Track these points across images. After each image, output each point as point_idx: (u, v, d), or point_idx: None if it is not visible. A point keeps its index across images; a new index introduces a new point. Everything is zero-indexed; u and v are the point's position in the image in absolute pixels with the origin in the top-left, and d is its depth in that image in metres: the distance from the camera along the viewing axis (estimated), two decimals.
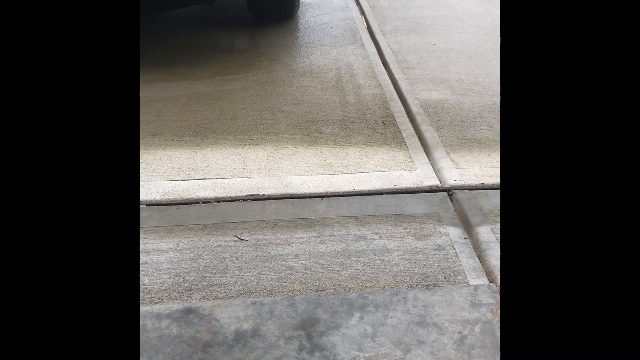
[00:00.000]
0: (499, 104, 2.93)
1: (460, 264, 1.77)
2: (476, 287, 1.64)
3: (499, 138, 2.57)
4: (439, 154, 2.43)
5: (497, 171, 2.28)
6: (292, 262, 1.79)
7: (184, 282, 1.71)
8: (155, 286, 1.70)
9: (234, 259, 1.80)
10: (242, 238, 1.91)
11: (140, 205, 2.08)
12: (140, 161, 2.39)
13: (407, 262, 1.78)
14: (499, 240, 1.85)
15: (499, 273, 1.70)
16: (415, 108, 2.88)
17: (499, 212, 2.01)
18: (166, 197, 2.15)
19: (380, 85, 3.23)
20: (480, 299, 1.60)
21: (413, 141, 2.57)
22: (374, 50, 3.85)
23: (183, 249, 1.86)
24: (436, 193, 2.16)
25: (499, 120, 2.75)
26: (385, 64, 3.59)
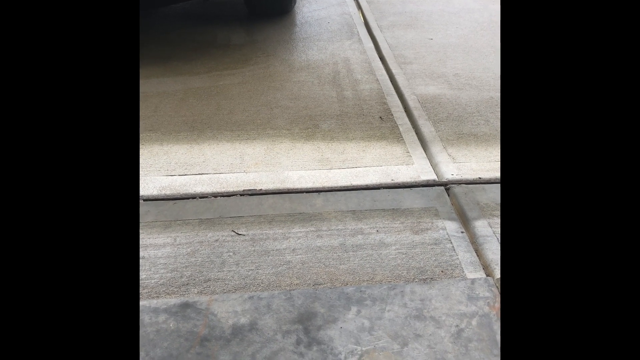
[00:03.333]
0: (496, 98, 2.93)
1: (458, 258, 1.77)
2: (473, 281, 1.65)
3: (495, 132, 2.57)
4: (436, 148, 2.43)
5: (494, 165, 2.29)
6: (289, 257, 1.79)
7: (181, 277, 1.71)
8: (153, 281, 1.69)
9: (231, 254, 1.80)
10: (240, 233, 1.91)
11: None
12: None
13: (404, 256, 1.78)
14: (496, 234, 1.85)
15: (495, 267, 1.70)
16: (412, 103, 2.88)
17: (496, 206, 2.01)
18: (163, 192, 2.14)
19: (377, 80, 3.23)
20: (477, 292, 1.60)
21: (410, 136, 2.57)
22: (371, 45, 3.84)
23: (180, 244, 1.85)
24: (433, 187, 2.17)
25: (496, 114, 2.75)
26: (382, 59, 3.59)
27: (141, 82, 3.21)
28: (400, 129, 2.63)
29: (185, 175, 2.26)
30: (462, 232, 1.90)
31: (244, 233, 1.91)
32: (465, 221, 1.95)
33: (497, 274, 1.67)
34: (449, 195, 2.11)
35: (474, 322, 1.50)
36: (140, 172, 2.28)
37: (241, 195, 2.13)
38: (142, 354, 1.42)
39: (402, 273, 1.71)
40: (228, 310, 1.55)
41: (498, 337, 1.45)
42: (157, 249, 1.83)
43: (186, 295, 1.63)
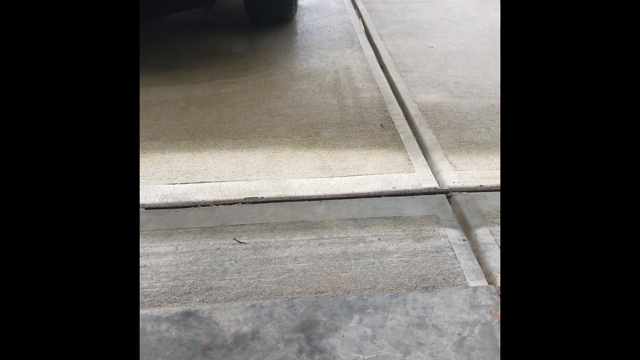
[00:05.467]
0: (497, 106, 2.94)
1: (459, 266, 1.77)
2: (475, 289, 1.64)
3: (496, 140, 2.57)
4: (437, 156, 2.44)
5: (495, 173, 2.29)
6: (291, 265, 1.79)
7: (183, 285, 1.71)
8: (155, 289, 1.69)
9: (233, 262, 1.80)
10: (241, 241, 1.91)
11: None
12: (139, 165, 2.39)
13: (406, 264, 1.78)
14: (498, 242, 1.85)
15: (497, 275, 1.70)
16: (413, 111, 2.89)
17: (498, 213, 2.01)
18: (165, 201, 2.15)
19: (378, 88, 3.23)
20: (479, 300, 1.60)
21: (411, 144, 2.57)
22: (371, 53, 3.85)
23: (182, 252, 1.86)
24: (435, 195, 2.17)
25: (497, 122, 2.75)
26: (383, 67, 3.60)
27: (143, 90, 3.22)
28: (402, 136, 2.64)
29: (187, 183, 2.27)
30: (464, 240, 1.90)
31: (245, 241, 1.91)
32: (467, 229, 1.96)
33: (499, 281, 1.67)
34: (450, 203, 2.12)
35: (476, 331, 1.50)
36: (142, 180, 2.29)
37: (243, 203, 2.13)
38: None
39: (404, 281, 1.71)
40: (230, 318, 1.55)
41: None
42: (159, 258, 1.83)
43: (188, 304, 1.63)
